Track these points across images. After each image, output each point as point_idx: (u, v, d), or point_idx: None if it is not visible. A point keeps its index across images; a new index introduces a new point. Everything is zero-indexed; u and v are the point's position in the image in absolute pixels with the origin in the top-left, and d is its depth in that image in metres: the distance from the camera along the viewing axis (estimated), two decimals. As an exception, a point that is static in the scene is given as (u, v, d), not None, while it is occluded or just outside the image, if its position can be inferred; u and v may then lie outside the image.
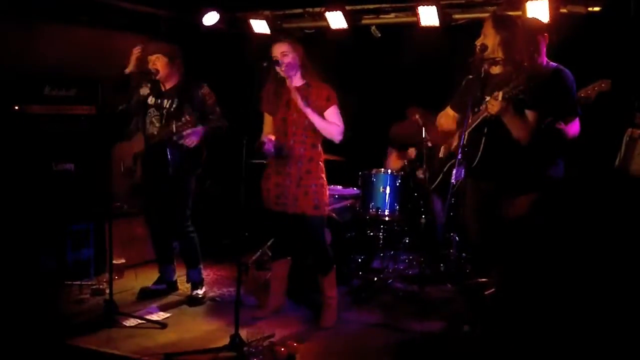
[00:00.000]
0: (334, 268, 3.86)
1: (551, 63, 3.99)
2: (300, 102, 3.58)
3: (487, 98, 3.25)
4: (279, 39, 3.74)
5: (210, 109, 4.11)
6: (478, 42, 3.33)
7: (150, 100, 4.10)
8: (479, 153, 3.31)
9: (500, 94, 3.10)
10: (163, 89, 4.14)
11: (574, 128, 3.81)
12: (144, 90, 4.12)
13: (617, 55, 4.19)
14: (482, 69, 3.35)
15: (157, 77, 4.06)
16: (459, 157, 3.14)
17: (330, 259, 3.83)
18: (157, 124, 4.05)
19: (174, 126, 3.86)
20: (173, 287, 4.42)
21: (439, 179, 3.75)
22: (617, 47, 4.22)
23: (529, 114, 3.22)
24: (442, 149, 3.79)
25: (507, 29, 3.32)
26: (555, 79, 3.47)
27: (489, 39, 3.32)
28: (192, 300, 4.19)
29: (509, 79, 3.20)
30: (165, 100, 4.06)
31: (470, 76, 3.54)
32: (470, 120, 3.32)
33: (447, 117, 3.75)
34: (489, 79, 3.39)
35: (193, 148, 3.98)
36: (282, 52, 3.63)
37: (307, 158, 3.69)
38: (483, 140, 3.29)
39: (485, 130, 3.30)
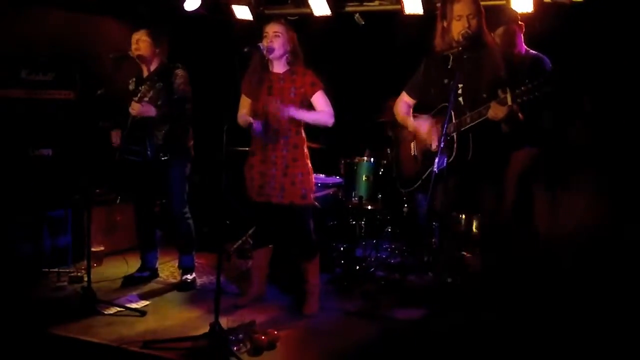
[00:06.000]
0: (318, 255, 3.84)
1: (531, 51, 3.97)
2: (292, 112, 3.51)
3: (461, 86, 3.09)
4: (275, 19, 3.70)
5: (175, 89, 3.99)
6: (463, 24, 3.06)
7: (134, 90, 4.04)
8: (470, 147, 3.12)
9: (509, 96, 2.84)
10: (143, 75, 4.08)
11: None
12: (131, 86, 4.11)
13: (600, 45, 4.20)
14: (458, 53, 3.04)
15: (140, 60, 4.01)
16: (442, 145, 3.09)
17: (315, 246, 3.81)
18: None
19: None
20: (154, 274, 4.39)
21: (418, 183, 3.46)
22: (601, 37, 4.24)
23: None
24: (412, 145, 3.54)
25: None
26: (535, 67, 3.44)
27: (473, 19, 3.06)
28: (183, 285, 4.17)
29: (489, 65, 3.10)
30: (143, 87, 3.95)
31: (427, 57, 3.28)
32: (457, 118, 3.11)
33: (404, 105, 3.51)
34: (459, 62, 3.08)
35: (170, 132, 3.96)
36: (275, 31, 3.58)
37: (292, 145, 3.66)
38: (471, 137, 3.11)
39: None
